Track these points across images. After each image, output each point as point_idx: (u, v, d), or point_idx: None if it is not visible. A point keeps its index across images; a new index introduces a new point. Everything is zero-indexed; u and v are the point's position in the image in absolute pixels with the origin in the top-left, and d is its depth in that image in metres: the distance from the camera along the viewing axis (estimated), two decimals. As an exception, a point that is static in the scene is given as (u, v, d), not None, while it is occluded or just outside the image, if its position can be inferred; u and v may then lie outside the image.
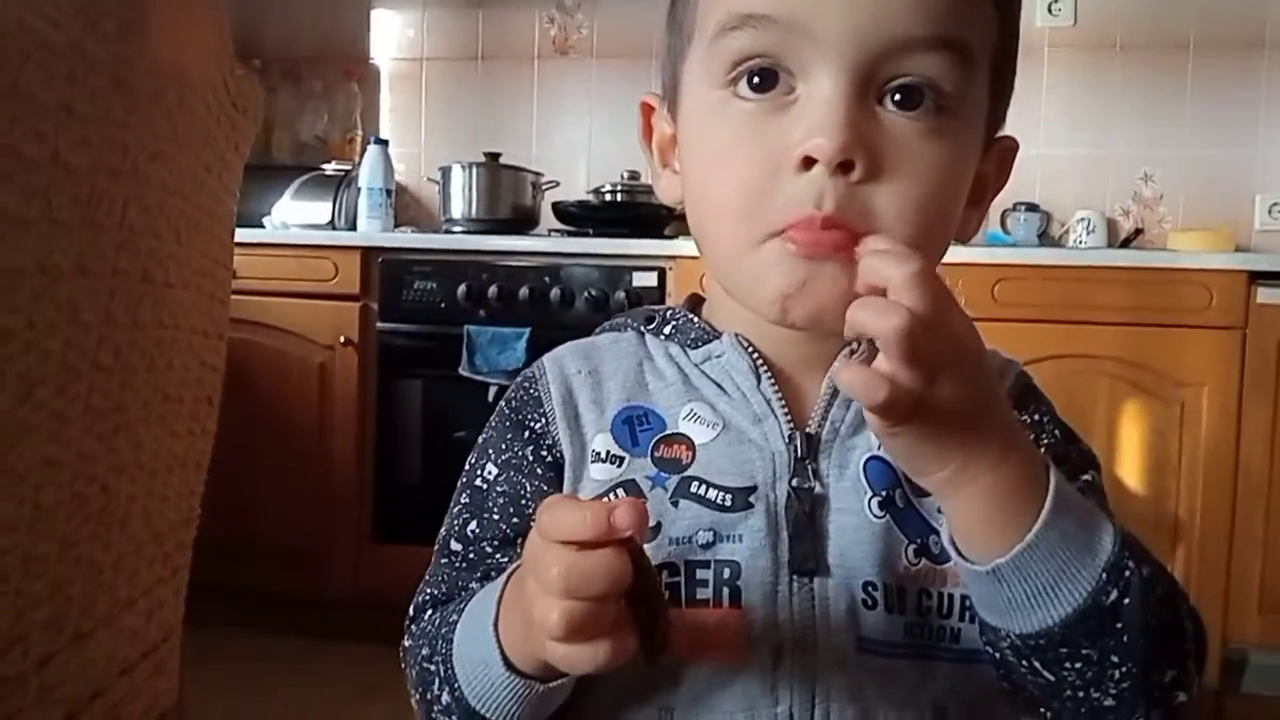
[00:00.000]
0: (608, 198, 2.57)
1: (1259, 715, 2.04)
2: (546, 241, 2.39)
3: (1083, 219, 2.53)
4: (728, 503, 0.56)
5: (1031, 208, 2.56)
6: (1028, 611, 0.48)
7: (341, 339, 2.35)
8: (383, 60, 3.01)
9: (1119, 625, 0.47)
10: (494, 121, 2.91)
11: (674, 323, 0.63)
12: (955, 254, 2.19)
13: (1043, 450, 0.58)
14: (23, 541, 0.65)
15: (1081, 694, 0.49)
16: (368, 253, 2.36)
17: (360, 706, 2.06)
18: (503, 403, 0.64)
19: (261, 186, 2.67)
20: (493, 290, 2.28)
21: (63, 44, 0.62)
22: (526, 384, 0.64)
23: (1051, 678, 0.49)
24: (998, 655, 0.52)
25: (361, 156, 2.65)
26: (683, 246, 2.21)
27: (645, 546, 0.55)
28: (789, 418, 0.58)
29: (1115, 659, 0.48)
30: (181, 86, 0.74)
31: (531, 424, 0.61)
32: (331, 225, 2.63)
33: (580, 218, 2.54)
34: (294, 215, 2.63)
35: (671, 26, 0.61)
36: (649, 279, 2.24)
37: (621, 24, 2.82)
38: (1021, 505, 0.47)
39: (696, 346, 0.61)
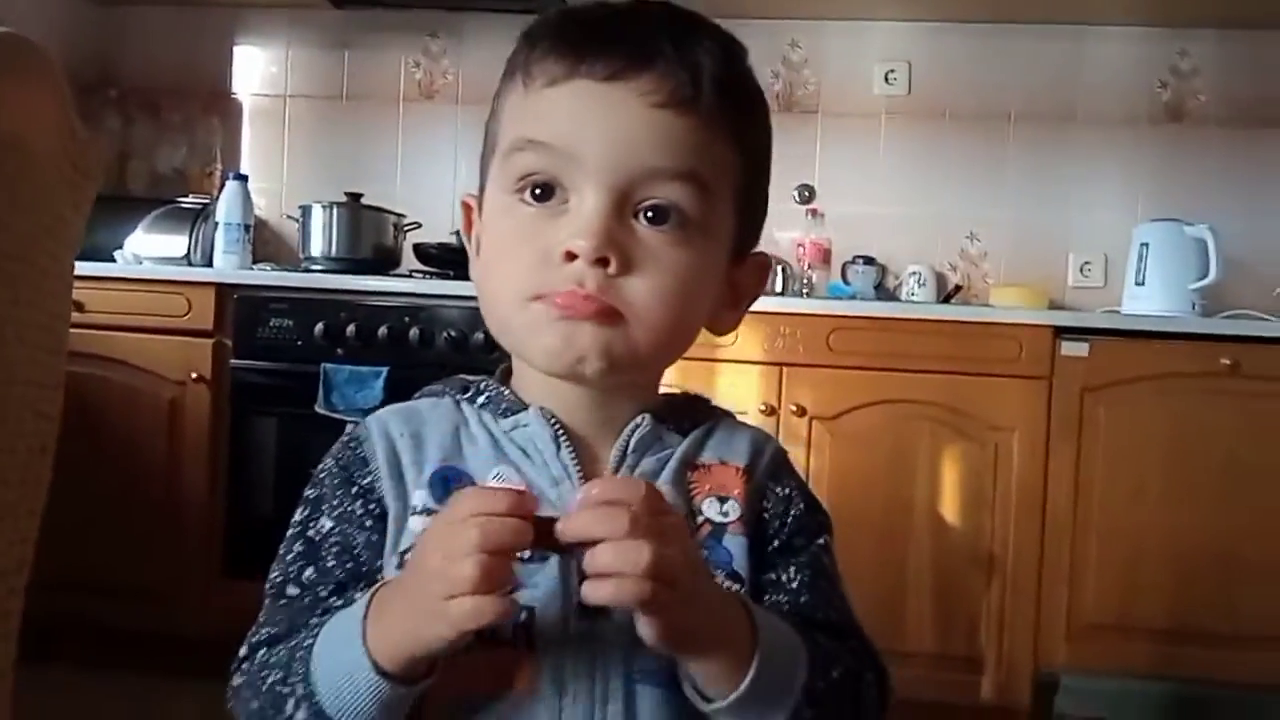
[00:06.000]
0: (468, 241, 2.62)
1: (1070, 735, 2.22)
2: (407, 282, 2.44)
3: (914, 273, 2.72)
4: (526, 555, 0.63)
5: (869, 261, 2.74)
6: None
7: (193, 375, 2.34)
8: (245, 95, 3.01)
9: None
10: (357, 161, 2.93)
11: (487, 393, 0.71)
12: (795, 304, 2.34)
13: (791, 517, 0.71)
14: None
15: None
16: (223, 289, 2.36)
17: (205, 747, 2.04)
18: (331, 461, 0.71)
19: (115, 218, 2.61)
20: (351, 329, 2.31)
21: (-99, 123, 0.66)
22: (354, 445, 0.70)
23: None
24: None
25: (220, 191, 2.64)
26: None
27: None
28: (582, 479, 0.66)
29: None
30: (21, 156, 0.77)
31: (360, 480, 0.68)
32: (187, 259, 2.61)
33: (441, 259, 2.59)
34: (148, 248, 2.60)
35: (485, 139, 0.71)
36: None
37: (486, 71, 2.87)
38: (739, 658, 0.59)
39: (506, 416, 0.69)
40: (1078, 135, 2.77)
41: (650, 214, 0.64)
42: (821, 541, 0.71)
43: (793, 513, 0.71)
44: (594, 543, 0.55)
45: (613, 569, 0.54)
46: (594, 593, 0.55)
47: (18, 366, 0.85)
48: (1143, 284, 2.50)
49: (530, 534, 0.55)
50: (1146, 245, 2.50)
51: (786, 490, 0.72)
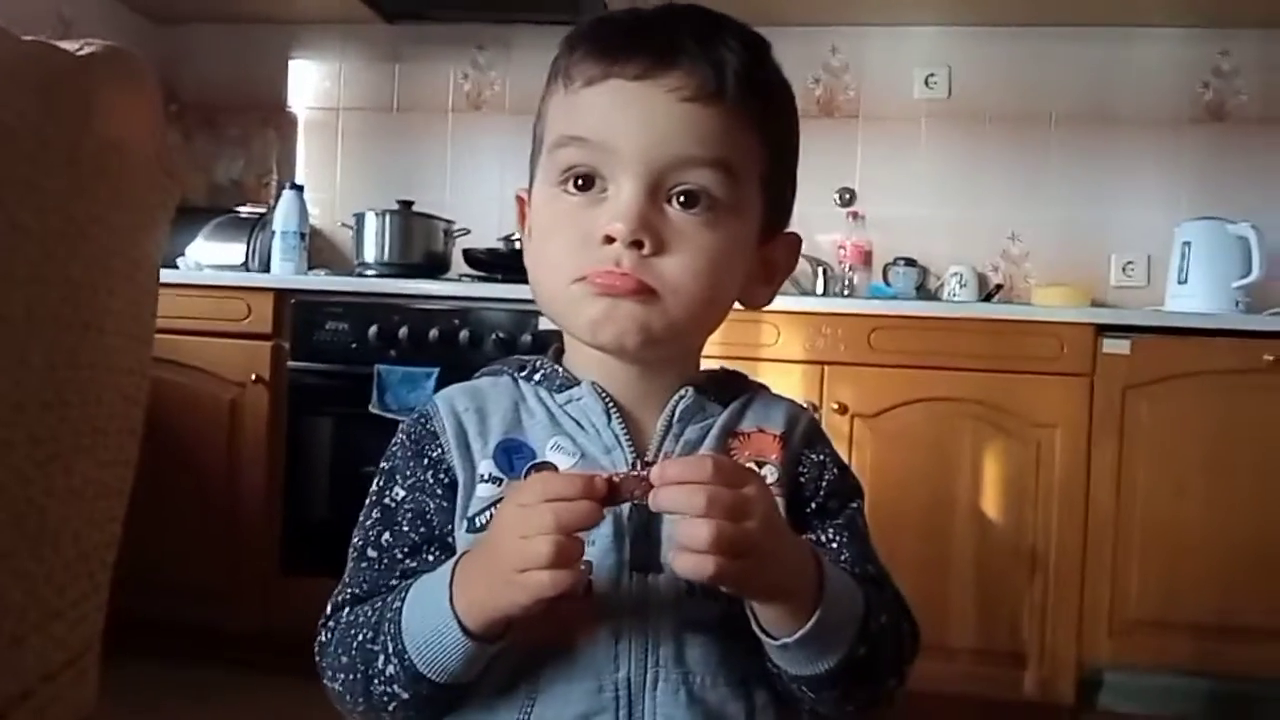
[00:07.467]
0: (516, 245, 2.70)
1: (1114, 731, 2.23)
2: (456, 286, 2.50)
3: (956, 274, 2.75)
4: None
5: (910, 262, 2.77)
6: (805, 666, 0.66)
7: (252, 376, 2.42)
8: (300, 108, 3.11)
9: (864, 668, 0.67)
10: (408, 170, 3.02)
11: (542, 370, 0.77)
12: (836, 304, 2.37)
13: (825, 482, 0.76)
14: (-31, 554, 0.75)
15: (837, 701, 0.69)
16: (281, 294, 2.45)
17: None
18: (403, 435, 0.77)
19: (175, 227, 2.72)
20: (403, 331, 2.39)
21: (26, 130, 0.73)
22: (423, 420, 0.76)
23: (814, 695, 0.68)
24: (778, 676, 0.69)
25: (276, 200, 2.73)
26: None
27: None
28: (632, 448, 0.72)
29: (861, 687, 0.68)
30: (122, 158, 0.85)
31: (430, 453, 0.74)
32: (245, 266, 2.70)
33: (489, 264, 2.67)
34: (208, 256, 2.70)
35: (533, 139, 0.77)
36: (552, 323, 2.37)
37: (532, 81, 2.90)
38: (803, 605, 0.64)
39: (560, 391, 0.75)
40: (1119, 136, 2.79)
41: (682, 199, 0.69)
42: (855, 505, 0.77)
43: (826, 478, 0.76)
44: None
45: (693, 545, 0.59)
46: (679, 565, 0.60)
47: (111, 353, 0.93)
48: (1185, 282, 2.51)
49: (599, 515, 0.61)
50: (1189, 244, 2.51)
51: (820, 457, 0.77)
